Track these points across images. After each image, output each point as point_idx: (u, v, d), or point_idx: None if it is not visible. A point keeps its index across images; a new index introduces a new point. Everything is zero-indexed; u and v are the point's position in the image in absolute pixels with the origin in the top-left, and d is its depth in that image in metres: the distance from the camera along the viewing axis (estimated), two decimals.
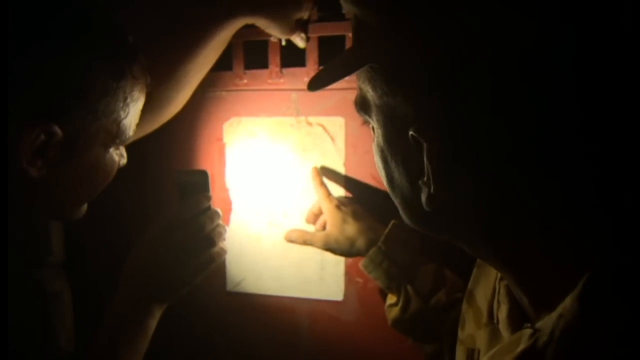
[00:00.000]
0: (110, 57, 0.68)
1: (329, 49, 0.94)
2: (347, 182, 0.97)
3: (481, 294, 0.62)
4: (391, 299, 0.88)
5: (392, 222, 0.87)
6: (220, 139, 1.03)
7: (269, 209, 1.01)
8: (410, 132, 0.44)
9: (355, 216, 0.89)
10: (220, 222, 0.85)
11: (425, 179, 0.45)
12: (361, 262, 0.87)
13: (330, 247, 0.90)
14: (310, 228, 0.97)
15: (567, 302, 0.42)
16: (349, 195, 0.97)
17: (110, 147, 0.74)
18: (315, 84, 0.52)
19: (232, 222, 1.03)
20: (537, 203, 0.44)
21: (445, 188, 0.45)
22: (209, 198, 0.84)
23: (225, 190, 1.03)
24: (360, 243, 0.88)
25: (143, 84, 0.74)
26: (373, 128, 0.52)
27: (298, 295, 1.01)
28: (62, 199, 0.74)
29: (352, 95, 0.93)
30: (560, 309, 0.42)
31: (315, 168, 0.96)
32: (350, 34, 0.90)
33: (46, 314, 0.94)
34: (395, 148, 0.49)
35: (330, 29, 0.93)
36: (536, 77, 0.39)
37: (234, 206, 1.03)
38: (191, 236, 0.81)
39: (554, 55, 0.39)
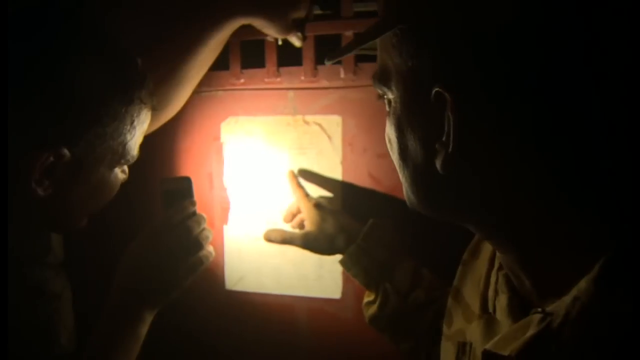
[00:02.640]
0: (121, 83, 0.71)
1: (325, 48, 0.94)
2: (343, 181, 0.98)
3: (469, 290, 0.63)
4: (369, 296, 0.88)
5: (370, 220, 0.88)
6: (217, 138, 1.04)
7: (267, 208, 1.02)
8: (436, 89, 0.45)
9: (334, 215, 0.90)
10: (206, 226, 0.86)
11: (444, 138, 0.46)
12: (340, 260, 0.88)
13: (310, 246, 0.91)
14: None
15: (583, 284, 0.42)
16: (344, 194, 0.98)
17: (115, 167, 0.76)
18: (348, 48, 0.57)
19: (230, 220, 1.04)
20: (554, 180, 0.44)
21: (463, 147, 0.45)
22: (194, 203, 0.86)
23: (223, 189, 1.04)
24: (339, 241, 0.88)
25: (149, 107, 0.76)
26: (389, 101, 0.53)
27: (296, 293, 1.02)
28: (66, 214, 0.77)
29: (348, 93, 0.96)
30: (574, 291, 0.43)
31: (292, 171, 0.98)
32: (346, 33, 0.91)
33: (47, 313, 0.95)
34: (415, 112, 0.50)
35: (326, 28, 0.93)
36: (570, 53, 0.41)
37: (232, 205, 1.04)
38: (179, 240, 0.82)
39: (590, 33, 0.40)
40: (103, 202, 0.81)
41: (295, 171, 0.98)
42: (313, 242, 0.91)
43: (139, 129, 0.76)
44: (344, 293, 0.99)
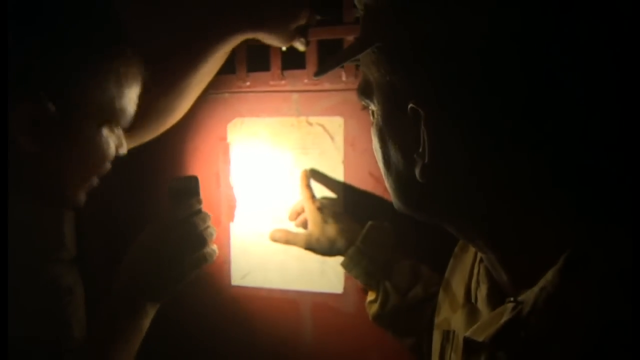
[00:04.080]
0: (102, 38, 0.71)
1: (328, 52, 0.97)
2: (344, 181, 1.00)
3: (457, 281, 0.66)
4: (371, 295, 0.91)
5: (369, 222, 0.91)
6: (224, 138, 1.06)
7: (272, 205, 1.04)
8: (410, 105, 0.48)
9: (336, 217, 0.93)
10: (211, 224, 0.87)
11: (420, 150, 0.49)
12: (341, 262, 0.91)
13: (312, 247, 0.94)
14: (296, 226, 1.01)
15: (549, 275, 0.45)
16: (345, 194, 1.01)
17: (104, 126, 0.75)
18: (330, 65, 0.58)
19: (236, 218, 1.06)
20: (521, 188, 0.48)
21: (438, 158, 0.48)
22: (200, 201, 0.86)
23: (230, 187, 1.07)
24: (340, 243, 0.91)
25: (137, 71, 0.76)
26: (373, 112, 0.56)
27: (300, 288, 1.05)
28: (59, 178, 0.75)
29: (350, 96, 0.98)
30: (542, 282, 0.46)
31: (305, 171, 0.99)
32: (348, 38, 0.94)
33: (60, 307, 0.97)
34: (394, 124, 0.53)
35: (329, 33, 0.96)
36: (525, 57, 0.43)
37: (238, 203, 1.06)
38: (184, 236, 0.83)
39: (538, 39, 0.43)
40: (94, 168, 0.79)
41: (301, 171, 1.00)
42: (315, 244, 0.94)
43: (126, 90, 0.75)
44: (345, 288, 1.02)
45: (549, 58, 0.43)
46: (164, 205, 0.86)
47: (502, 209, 0.50)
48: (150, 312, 0.83)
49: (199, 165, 1.09)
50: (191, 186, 0.87)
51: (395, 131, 0.53)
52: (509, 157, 0.47)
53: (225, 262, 1.08)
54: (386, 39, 0.51)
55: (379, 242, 0.90)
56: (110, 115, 0.74)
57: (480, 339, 0.51)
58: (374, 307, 0.90)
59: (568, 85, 0.44)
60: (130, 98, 0.77)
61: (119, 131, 0.80)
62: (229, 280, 1.09)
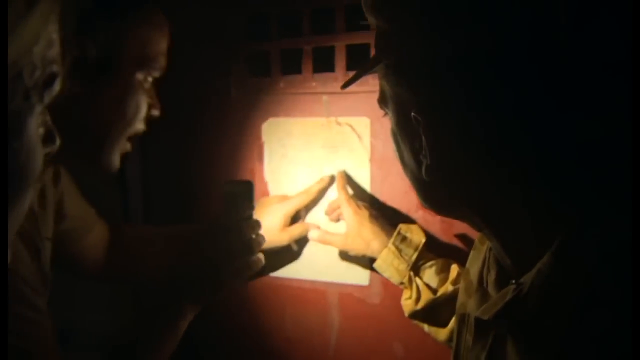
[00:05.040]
0: None
1: (356, 56, 1.02)
2: (371, 180, 1.05)
3: (474, 269, 0.70)
4: (406, 293, 0.95)
5: (399, 225, 0.95)
6: (259, 137, 1.12)
7: (308, 209, 1.09)
8: (413, 114, 0.54)
9: (371, 220, 0.97)
10: (261, 232, 0.87)
11: (423, 152, 0.54)
12: (375, 264, 0.96)
13: (348, 248, 0.99)
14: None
15: (545, 259, 0.50)
16: (372, 192, 1.05)
17: (139, 72, 0.77)
18: (347, 83, 0.66)
19: None
20: (518, 182, 0.52)
21: (438, 158, 0.54)
22: (252, 207, 0.87)
23: (264, 183, 1.12)
24: (374, 245, 0.96)
25: (164, 25, 0.80)
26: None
27: (328, 279, 1.09)
28: (98, 129, 0.76)
29: (376, 98, 1.02)
30: (539, 264, 0.50)
31: (341, 172, 1.04)
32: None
33: None
34: (404, 130, 0.58)
35: (356, 38, 1.01)
36: (504, 70, 0.49)
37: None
38: (231, 241, 0.83)
39: (515, 54, 0.48)
40: (130, 123, 0.79)
41: (331, 170, 1.05)
42: (351, 245, 0.99)
43: (158, 37, 0.78)
44: (371, 280, 1.06)
45: (529, 69, 0.48)
46: (216, 209, 0.89)
47: (500, 201, 0.54)
48: (189, 315, 0.84)
49: (235, 162, 1.15)
50: (243, 191, 0.87)
51: (405, 136, 0.58)
52: (501, 157, 0.51)
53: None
54: (392, 58, 0.57)
55: (410, 243, 0.94)
56: (142, 61, 0.77)
57: (486, 317, 0.55)
58: (409, 305, 0.94)
59: (552, 89, 0.48)
60: (160, 46, 0.79)
61: (152, 90, 0.81)
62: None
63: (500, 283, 0.60)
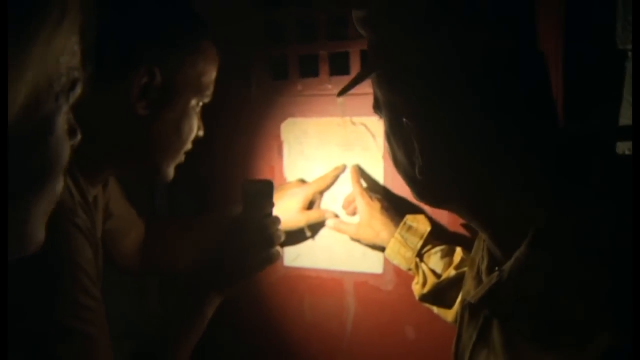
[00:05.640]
0: (194, 25, 0.84)
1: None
2: (384, 174, 1.11)
3: (477, 258, 0.75)
4: (415, 279, 1.01)
5: (407, 215, 1.02)
6: (278, 136, 1.18)
7: (323, 193, 1.15)
8: (404, 119, 0.59)
9: (382, 211, 1.03)
10: (280, 227, 0.93)
11: (415, 154, 0.60)
12: (385, 252, 1.03)
13: (359, 236, 1.06)
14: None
15: (522, 248, 0.55)
16: (385, 186, 1.11)
17: (194, 98, 0.85)
18: (343, 91, 0.70)
19: None
20: (498, 177, 0.58)
21: (429, 159, 0.59)
22: (272, 205, 0.92)
23: (283, 179, 1.18)
24: (383, 234, 1.03)
25: (215, 56, 0.88)
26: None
27: (344, 268, 1.15)
28: (159, 145, 0.84)
29: None
30: (517, 253, 0.56)
31: (355, 167, 1.10)
32: None
33: None
34: (397, 134, 0.63)
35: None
36: (485, 79, 0.55)
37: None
38: (255, 236, 0.89)
39: (492, 64, 0.55)
40: (184, 141, 0.86)
41: (347, 165, 1.11)
42: (362, 234, 1.06)
43: (210, 67, 0.85)
44: (385, 268, 1.12)
45: (507, 77, 0.56)
46: (240, 204, 0.92)
47: (484, 198, 0.60)
48: (215, 302, 0.88)
49: (256, 160, 1.20)
50: (265, 189, 0.92)
51: (398, 139, 0.63)
52: (484, 158, 0.57)
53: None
54: (382, 68, 0.62)
55: (415, 232, 1.00)
56: (197, 88, 0.84)
57: (473, 301, 0.61)
58: (417, 288, 1.00)
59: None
60: (212, 76, 0.88)
61: (199, 115, 0.89)
62: (282, 262, 1.19)
63: (490, 270, 0.65)
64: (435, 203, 0.67)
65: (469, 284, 0.76)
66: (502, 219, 0.60)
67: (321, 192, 1.14)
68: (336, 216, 1.13)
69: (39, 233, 0.40)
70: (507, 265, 0.57)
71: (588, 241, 0.52)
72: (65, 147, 0.39)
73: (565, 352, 0.52)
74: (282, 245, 1.07)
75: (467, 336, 0.69)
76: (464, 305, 0.74)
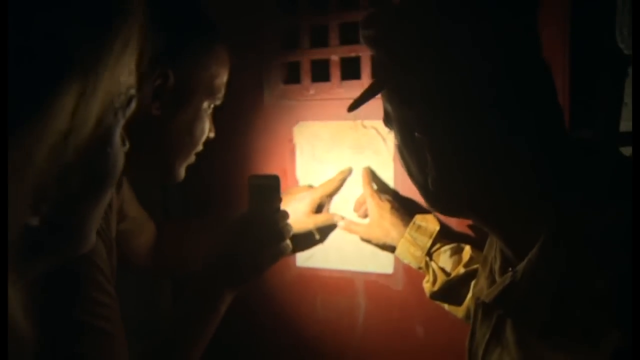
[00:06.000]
0: (207, 28, 0.86)
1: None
2: (394, 177, 1.13)
3: (490, 258, 0.77)
4: (425, 277, 1.04)
5: (416, 215, 1.04)
6: (291, 139, 1.20)
7: (331, 197, 1.17)
8: (416, 134, 0.62)
9: (392, 212, 1.05)
10: (289, 222, 0.94)
11: (428, 166, 0.62)
12: (395, 252, 1.05)
13: (370, 237, 1.08)
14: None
15: (534, 250, 0.58)
16: (395, 188, 1.13)
17: (206, 100, 0.86)
18: (353, 107, 0.70)
19: None
20: (509, 188, 0.60)
21: (442, 173, 0.62)
22: (280, 199, 0.93)
23: (295, 181, 1.20)
24: (393, 234, 1.05)
25: (227, 59, 0.89)
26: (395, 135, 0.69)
27: (356, 268, 1.17)
28: (170, 147, 0.85)
29: None
30: (530, 255, 0.58)
31: (366, 169, 1.12)
32: None
33: None
34: (409, 147, 0.65)
35: None
36: (493, 95, 0.57)
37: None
38: (265, 231, 0.89)
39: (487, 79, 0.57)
40: (195, 143, 0.87)
41: (359, 168, 1.12)
42: (372, 234, 1.08)
43: (222, 70, 0.87)
44: (395, 268, 1.14)
45: (513, 93, 0.58)
46: (249, 200, 0.93)
47: (495, 206, 0.62)
48: (228, 298, 0.89)
49: (269, 162, 1.22)
50: (273, 185, 0.92)
51: (411, 152, 0.65)
52: (495, 169, 0.59)
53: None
54: (392, 85, 0.64)
55: (424, 231, 1.03)
56: (209, 91, 0.86)
57: (487, 300, 0.63)
58: (428, 286, 1.02)
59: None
60: (224, 79, 0.89)
61: (210, 118, 0.90)
62: (295, 262, 1.22)
63: (503, 270, 0.67)
64: (448, 212, 0.69)
65: (481, 282, 0.78)
66: (513, 224, 0.62)
67: (329, 196, 1.15)
68: (343, 219, 1.15)
69: (92, 235, 0.43)
70: (521, 267, 0.59)
71: (598, 244, 0.54)
72: (120, 158, 0.43)
73: (577, 351, 0.53)
74: (294, 251, 1.08)
75: (480, 334, 0.71)
76: (478, 304, 0.75)
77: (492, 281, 0.72)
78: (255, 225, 0.90)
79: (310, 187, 1.17)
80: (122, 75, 0.40)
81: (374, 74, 0.68)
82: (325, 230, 1.18)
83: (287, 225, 0.94)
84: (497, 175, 0.60)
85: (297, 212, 1.08)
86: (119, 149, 0.43)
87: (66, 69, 0.34)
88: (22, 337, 0.34)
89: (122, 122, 0.42)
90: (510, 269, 0.62)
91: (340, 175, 1.13)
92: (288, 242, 0.94)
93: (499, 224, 0.64)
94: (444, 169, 0.61)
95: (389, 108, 0.66)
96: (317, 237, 1.17)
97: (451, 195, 0.64)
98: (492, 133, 0.58)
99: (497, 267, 0.69)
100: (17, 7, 0.32)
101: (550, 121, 0.60)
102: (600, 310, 0.52)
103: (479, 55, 0.58)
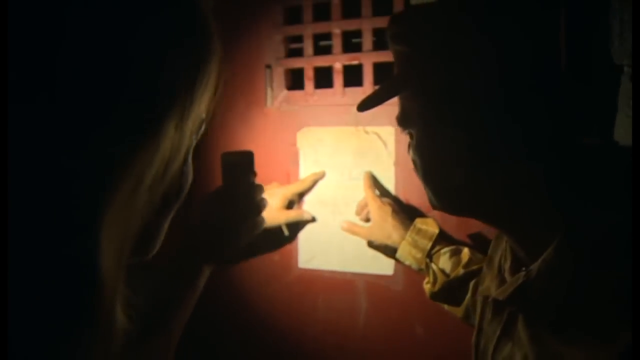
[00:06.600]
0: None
1: (381, 72, 1.12)
2: (395, 182, 1.16)
3: (496, 257, 0.80)
4: (426, 278, 1.06)
5: (416, 219, 1.06)
6: (294, 144, 1.22)
7: (333, 200, 1.20)
8: (451, 130, 0.62)
9: (393, 215, 1.08)
10: (264, 196, 0.95)
11: (460, 163, 0.62)
12: (396, 254, 1.07)
13: (371, 239, 1.11)
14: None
15: (549, 251, 0.59)
16: (396, 192, 1.16)
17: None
18: (373, 104, 0.67)
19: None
20: (529, 191, 0.61)
21: (474, 168, 0.62)
22: (254, 174, 0.93)
23: None
24: (394, 237, 1.07)
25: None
26: (411, 135, 0.69)
27: (356, 270, 1.19)
28: None
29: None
30: (544, 255, 0.60)
31: (367, 174, 1.14)
32: None
33: None
34: (432, 145, 0.65)
35: (383, 56, 1.11)
36: (514, 94, 0.59)
37: (306, 198, 1.22)
38: (242, 203, 0.89)
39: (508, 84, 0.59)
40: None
41: (360, 172, 1.15)
42: (374, 237, 1.10)
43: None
44: (395, 270, 1.16)
45: (532, 96, 0.59)
46: (222, 177, 0.93)
47: (513, 208, 0.63)
48: (205, 273, 0.88)
49: (273, 166, 1.24)
50: (247, 161, 0.93)
51: (434, 150, 0.65)
52: (515, 172, 0.61)
53: (293, 248, 1.23)
54: (418, 82, 0.64)
55: (425, 234, 1.05)
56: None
57: (501, 298, 0.65)
58: (428, 287, 1.04)
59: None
60: (203, 104, 0.90)
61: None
62: (297, 263, 1.23)
63: (515, 270, 0.69)
64: (463, 213, 0.69)
65: (488, 282, 0.79)
66: (529, 226, 0.63)
67: (300, 195, 1.19)
68: (313, 218, 1.19)
69: (159, 242, 0.48)
70: (535, 266, 0.60)
71: (613, 244, 0.56)
72: (191, 174, 0.48)
73: (588, 347, 0.55)
74: (263, 250, 1.12)
75: (490, 331, 0.73)
76: (486, 302, 0.77)
77: (501, 280, 0.73)
78: (233, 198, 0.90)
79: (282, 185, 1.19)
80: (202, 104, 0.44)
81: (400, 73, 0.66)
82: (295, 227, 1.21)
83: (263, 199, 0.95)
84: (518, 177, 0.61)
85: (268, 206, 1.07)
86: (190, 167, 0.48)
87: (171, 103, 0.39)
88: (121, 329, 0.39)
89: (194, 143, 0.47)
90: (523, 268, 0.63)
91: (313, 177, 1.17)
92: (263, 216, 0.94)
93: (515, 226, 0.65)
94: (476, 166, 0.62)
95: (412, 106, 0.66)
96: (287, 233, 1.19)
97: (476, 194, 0.64)
98: (516, 134, 0.59)
99: (507, 266, 0.71)
100: (145, 52, 0.38)
101: (566, 126, 0.60)
102: (612, 310, 0.54)
103: (509, 54, 0.58)
